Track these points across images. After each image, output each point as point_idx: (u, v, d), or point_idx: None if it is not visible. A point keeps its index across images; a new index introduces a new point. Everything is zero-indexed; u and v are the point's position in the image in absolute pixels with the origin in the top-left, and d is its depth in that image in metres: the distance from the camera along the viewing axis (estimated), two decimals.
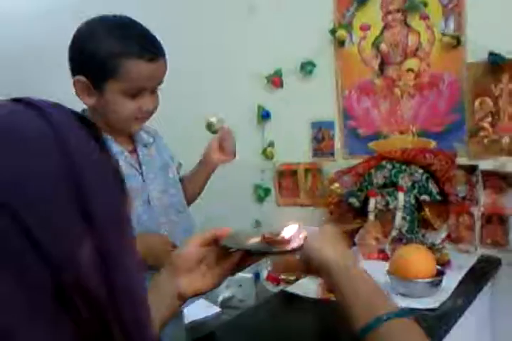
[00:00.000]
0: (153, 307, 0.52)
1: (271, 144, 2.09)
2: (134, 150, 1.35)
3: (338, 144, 1.97)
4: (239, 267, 0.89)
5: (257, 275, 2.12)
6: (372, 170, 1.78)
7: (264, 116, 2.08)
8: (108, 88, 1.19)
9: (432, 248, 1.59)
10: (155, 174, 1.36)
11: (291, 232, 0.92)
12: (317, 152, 2.01)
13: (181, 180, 1.50)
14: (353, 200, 1.83)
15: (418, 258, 1.38)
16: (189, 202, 1.55)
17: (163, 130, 1.48)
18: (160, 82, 1.28)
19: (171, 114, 1.73)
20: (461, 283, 1.45)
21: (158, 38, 1.24)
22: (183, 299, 0.84)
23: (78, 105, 1.22)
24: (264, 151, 2.09)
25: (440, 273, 1.39)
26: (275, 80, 2.03)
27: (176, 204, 1.42)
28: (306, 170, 2.03)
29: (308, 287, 1.47)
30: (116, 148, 1.28)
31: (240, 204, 2.19)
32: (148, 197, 1.33)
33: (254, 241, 0.90)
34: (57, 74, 1.45)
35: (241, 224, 2.17)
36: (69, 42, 1.22)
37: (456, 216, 1.73)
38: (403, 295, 1.37)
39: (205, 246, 0.87)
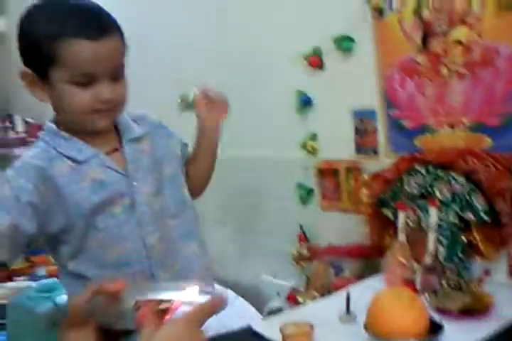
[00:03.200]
0: None
1: (313, 137, 1.77)
2: (118, 150, 1.18)
3: (381, 139, 1.58)
4: None
5: None
6: (404, 176, 1.38)
7: (305, 103, 1.76)
8: (53, 78, 1.04)
9: (464, 286, 1.19)
10: (145, 173, 1.18)
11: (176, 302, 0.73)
12: (360, 148, 1.64)
13: (187, 161, 1.35)
14: (387, 212, 1.45)
15: (398, 310, 1.00)
16: (196, 191, 1.36)
17: None
18: (116, 65, 1.07)
19: None
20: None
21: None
22: None
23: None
24: (304, 145, 1.78)
25: (436, 329, 1.00)
26: (314, 60, 1.69)
27: (170, 208, 1.23)
28: (348, 170, 1.67)
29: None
30: (88, 151, 1.13)
31: (283, 204, 1.91)
32: (134, 203, 1.16)
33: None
34: None
35: (287, 229, 1.90)
36: None
37: None
38: None
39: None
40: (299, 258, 1.75)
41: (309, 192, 1.81)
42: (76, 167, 1.11)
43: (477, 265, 1.31)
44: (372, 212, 1.50)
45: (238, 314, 1.97)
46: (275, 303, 2.04)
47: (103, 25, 1.03)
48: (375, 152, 1.60)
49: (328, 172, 1.73)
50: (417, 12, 1.39)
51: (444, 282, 1.22)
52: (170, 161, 1.26)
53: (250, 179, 2.01)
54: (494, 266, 1.29)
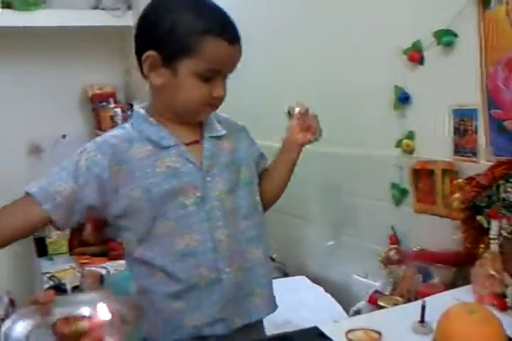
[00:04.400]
0: None
1: (410, 135, 1.68)
2: (198, 142, 1.23)
3: (481, 140, 1.47)
4: None
5: None
6: (502, 182, 1.27)
7: (403, 99, 1.68)
8: (182, 67, 1.11)
9: None
10: (221, 170, 1.23)
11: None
12: (459, 149, 1.54)
13: (262, 173, 1.37)
14: (481, 219, 1.35)
15: (473, 326, 0.93)
16: (268, 202, 1.38)
17: None
18: (233, 69, 1.17)
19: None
20: None
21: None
22: None
23: None
24: (399, 143, 1.70)
25: None
26: (413, 55, 1.61)
27: (242, 209, 1.26)
28: (445, 171, 1.58)
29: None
30: (169, 141, 1.18)
31: (376, 204, 1.85)
32: (206, 196, 1.20)
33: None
34: None
35: (379, 229, 1.84)
36: None
37: None
38: None
39: None
40: (386, 261, 1.68)
41: (403, 192, 1.74)
42: (155, 152, 1.16)
43: None
44: (465, 218, 1.40)
45: (324, 311, 1.97)
46: (363, 303, 1.99)
47: (237, 33, 1.14)
48: (474, 154, 1.49)
49: (423, 173, 1.64)
50: None
51: None
52: (249, 166, 1.29)
53: (343, 177, 1.97)
54: None
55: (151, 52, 1.11)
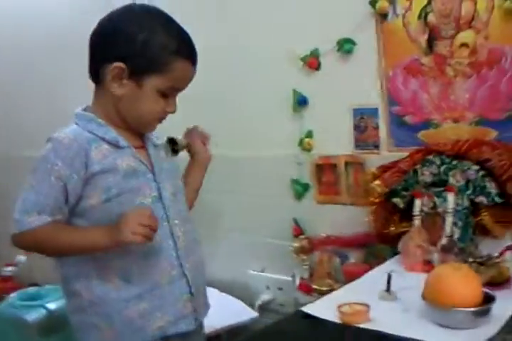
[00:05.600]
0: None
1: (309, 134, 1.85)
2: (143, 147, 1.23)
3: (383, 134, 1.70)
4: None
5: None
6: (419, 166, 1.51)
7: (301, 102, 1.84)
8: (148, 82, 1.14)
9: (486, 262, 1.32)
10: (166, 175, 1.24)
11: None
12: (360, 143, 1.75)
13: None
14: (397, 200, 1.57)
15: (459, 281, 1.11)
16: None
17: None
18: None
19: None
20: None
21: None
22: None
23: None
24: (301, 142, 1.86)
25: (489, 300, 1.12)
26: (311, 62, 1.79)
27: (184, 212, 1.28)
28: (347, 164, 1.78)
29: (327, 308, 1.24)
30: (123, 142, 1.17)
31: (277, 201, 1.98)
32: (161, 197, 1.20)
33: None
34: None
35: (279, 224, 1.98)
36: None
37: None
38: (441, 325, 1.12)
39: None
40: (300, 251, 1.82)
41: (305, 187, 1.90)
42: (113, 151, 1.15)
43: (485, 243, 1.46)
44: (380, 201, 1.61)
45: (228, 311, 2.03)
46: (266, 296, 2.10)
47: (197, 55, 1.19)
48: (376, 147, 1.71)
49: (326, 168, 1.83)
50: (422, 17, 1.53)
51: (469, 259, 1.34)
52: (179, 176, 1.34)
53: (246, 177, 2.05)
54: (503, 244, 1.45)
55: (119, 64, 1.12)
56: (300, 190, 1.90)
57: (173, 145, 1.34)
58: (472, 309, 1.09)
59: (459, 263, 1.24)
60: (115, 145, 1.16)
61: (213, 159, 1.39)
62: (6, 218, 1.13)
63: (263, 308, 2.06)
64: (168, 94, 1.17)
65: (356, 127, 1.75)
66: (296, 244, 1.84)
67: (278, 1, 1.85)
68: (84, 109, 1.22)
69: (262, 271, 2.11)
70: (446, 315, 1.11)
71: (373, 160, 1.70)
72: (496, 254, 1.36)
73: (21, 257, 2.57)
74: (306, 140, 1.85)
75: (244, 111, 1.96)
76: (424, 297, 1.15)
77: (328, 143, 1.82)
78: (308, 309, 1.26)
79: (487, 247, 1.45)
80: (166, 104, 1.18)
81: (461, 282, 1.11)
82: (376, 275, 1.45)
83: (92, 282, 1.16)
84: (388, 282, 1.29)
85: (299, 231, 1.92)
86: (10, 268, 2.60)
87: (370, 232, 1.70)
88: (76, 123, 1.19)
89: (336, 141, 1.80)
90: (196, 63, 1.19)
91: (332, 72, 1.77)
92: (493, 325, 1.10)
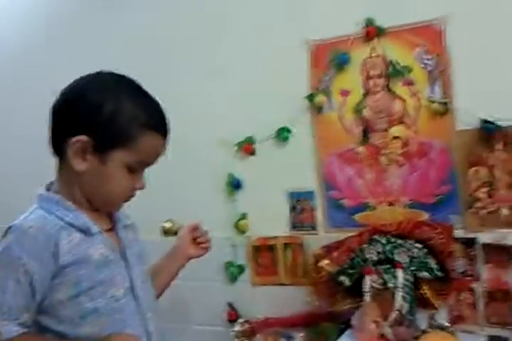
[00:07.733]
0: None
1: (244, 216, 1.91)
2: (112, 230, 1.15)
3: (319, 216, 1.82)
4: None
5: None
6: (365, 245, 1.63)
7: (235, 185, 1.91)
8: (113, 157, 1.04)
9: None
10: (136, 261, 1.16)
11: None
12: (297, 224, 1.85)
13: None
14: (344, 279, 1.66)
15: None
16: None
17: None
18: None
19: None
20: None
21: None
22: None
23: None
24: (236, 224, 1.91)
25: None
26: (246, 147, 1.88)
27: (154, 301, 1.21)
28: (286, 245, 1.85)
29: None
30: (94, 227, 1.08)
31: (210, 284, 1.96)
32: (133, 286, 1.12)
33: None
34: None
35: (212, 309, 1.95)
36: None
37: (457, 293, 1.60)
38: None
39: None
40: (241, 335, 1.80)
41: (239, 269, 1.92)
42: (85, 239, 1.07)
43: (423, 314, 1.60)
44: (325, 280, 1.69)
45: None
46: None
47: (169, 126, 1.12)
48: (313, 228, 1.82)
49: (263, 249, 1.88)
50: (357, 111, 1.73)
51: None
52: (146, 261, 1.26)
53: None
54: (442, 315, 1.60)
55: (83, 138, 1.03)
56: (235, 271, 1.92)
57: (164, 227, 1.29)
58: None
59: (443, 333, 1.35)
60: (86, 232, 1.08)
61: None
62: None
63: None
64: (135, 169, 1.09)
65: (293, 209, 1.85)
66: (237, 328, 1.82)
67: (215, 90, 1.94)
68: (48, 188, 1.12)
69: None
70: None
71: (311, 241, 1.80)
72: (446, 324, 1.51)
73: None
74: (242, 222, 1.90)
75: (179, 195, 1.97)
76: None
77: (264, 224, 1.89)
78: None
79: (429, 318, 1.60)
80: (133, 181, 1.09)
81: None
82: None
83: None
84: None
85: (234, 316, 1.91)
86: None
87: (313, 311, 1.76)
88: (41, 207, 1.09)
89: (273, 222, 1.87)
90: (167, 135, 1.10)
91: (268, 157, 1.87)
92: None
